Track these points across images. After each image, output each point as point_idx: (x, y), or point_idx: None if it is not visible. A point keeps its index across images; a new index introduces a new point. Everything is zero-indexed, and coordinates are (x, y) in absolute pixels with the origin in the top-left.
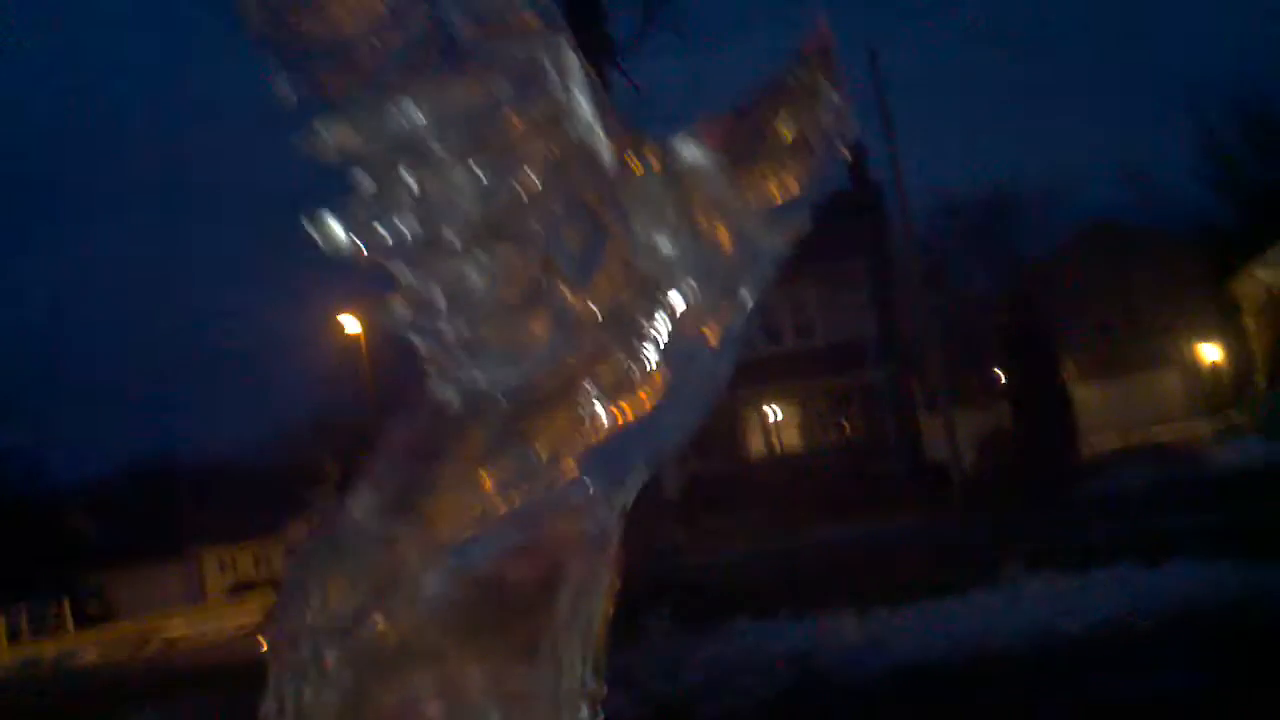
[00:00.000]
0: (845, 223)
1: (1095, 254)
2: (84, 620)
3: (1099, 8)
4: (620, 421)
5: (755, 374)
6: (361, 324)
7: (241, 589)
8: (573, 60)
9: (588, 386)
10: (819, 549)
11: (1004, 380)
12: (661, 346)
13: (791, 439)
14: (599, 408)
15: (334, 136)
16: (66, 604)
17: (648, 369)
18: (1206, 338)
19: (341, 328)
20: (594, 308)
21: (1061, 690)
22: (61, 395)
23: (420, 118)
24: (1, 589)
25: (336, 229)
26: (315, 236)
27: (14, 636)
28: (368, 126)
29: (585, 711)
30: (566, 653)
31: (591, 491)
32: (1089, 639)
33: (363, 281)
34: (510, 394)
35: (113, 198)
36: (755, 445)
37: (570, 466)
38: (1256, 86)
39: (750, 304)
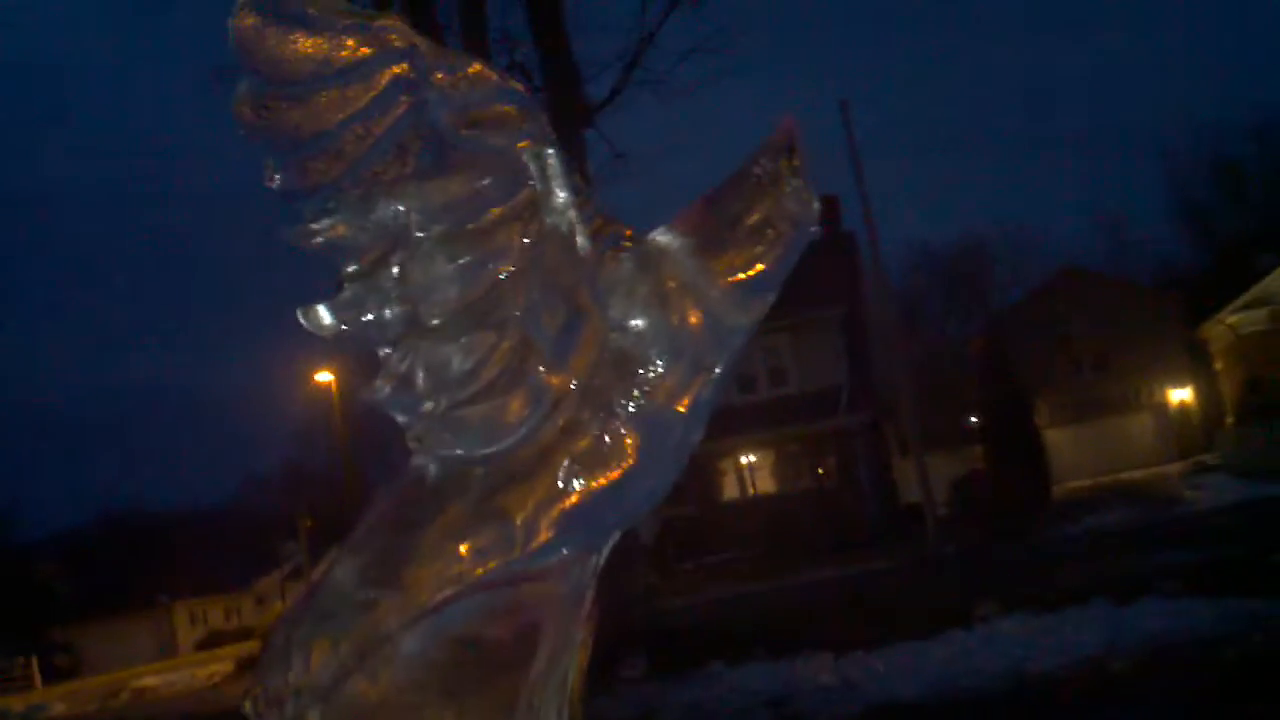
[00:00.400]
0: (819, 271)
1: (1067, 300)
2: (52, 675)
3: (1072, 58)
4: (594, 489)
5: (730, 421)
6: (334, 377)
7: (212, 642)
8: (551, 150)
9: (564, 458)
10: (794, 592)
11: (977, 424)
12: (635, 418)
13: (766, 484)
14: (574, 478)
15: (320, 227)
16: (34, 659)
17: (621, 440)
18: (1177, 381)
19: (313, 381)
20: (571, 385)
21: None
22: (30, 446)
23: (404, 208)
24: None
25: (324, 315)
26: (306, 324)
27: None
28: (353, 216)
29: None
30: (543, 709)
31: (566, 555)
32: (1063, 677)
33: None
34: (489, 465)
35: (84, 246)
36: (730, 491)
37: (546, 532)
38: (1226, 137)
39: (720, 377)
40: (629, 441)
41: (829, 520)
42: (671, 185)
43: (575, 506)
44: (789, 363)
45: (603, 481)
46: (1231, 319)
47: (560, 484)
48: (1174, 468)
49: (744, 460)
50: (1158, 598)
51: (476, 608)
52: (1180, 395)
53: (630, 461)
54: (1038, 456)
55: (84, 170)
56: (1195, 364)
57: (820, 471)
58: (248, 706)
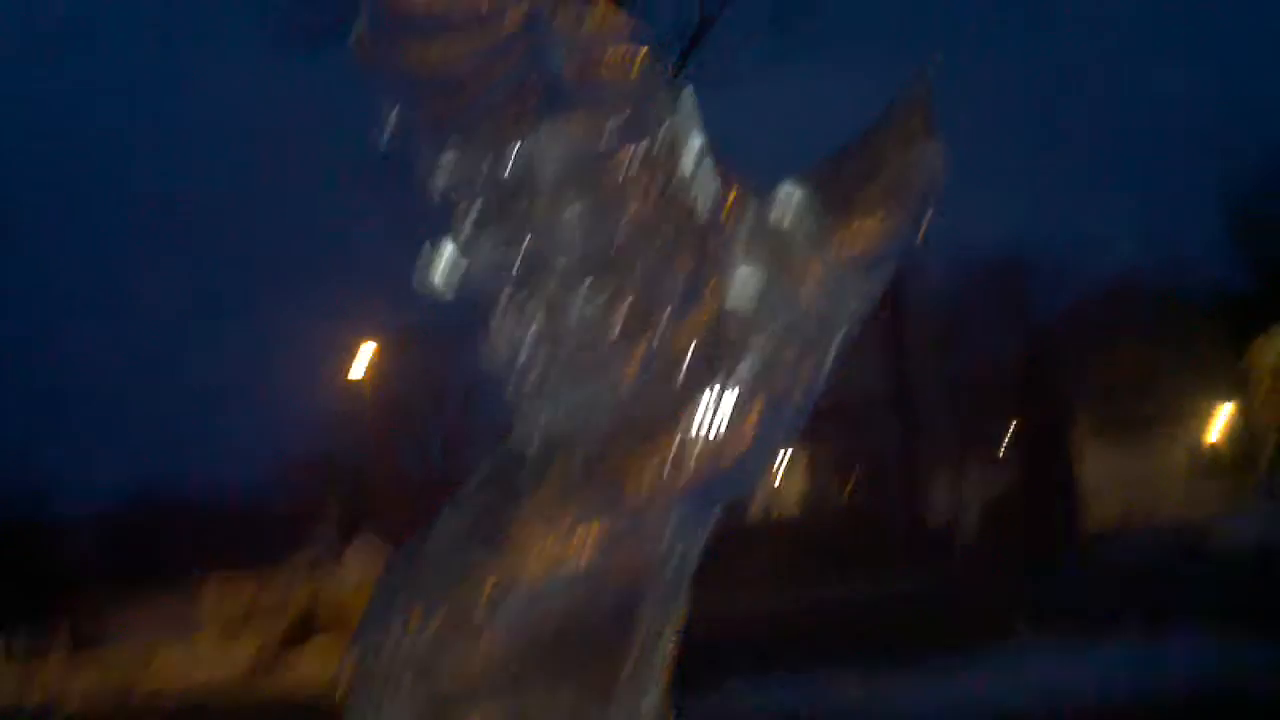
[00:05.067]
0: None
1: (1108, 317)
2: (77, 644)
3: (1123, 67)
4: (706, 457)
5: None
6: (369, 363)
7: (241, 619)
8: (686, 95)
9: (678, 421)
10: (818, 607)
11: (1013, 443)
12: (752, 386)
13: (793, 494)
14: (687, 443)
15: (447, 164)
16: (60, 628)
17: (737, 407)
18: (1220, 406)
19: (349, 366)
20: (691, 343)
21: None
22: (60, 418)
23: (531, 149)
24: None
25: (445, 260)
26: (423, 268)
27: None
28: (479, 154)
29: None
30: (641, 683)
31: (672, 523)
32: (1093, 708)
33: (373, 319)
34: (599, 426)
35: (114, 215)
36: (755, 499)
37: (655, 498)
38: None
39: (835, 351)
40: (744, 409)
41: (857, 533)
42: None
43: (686, 473)
44: None
45: (714, 450)
46: None
47: (673, 448)
48: (1213, 495)
49: (782, 467)
50: (1194, 633)
51: (579, 575)
52: (1223, 421)
53: (745, 431)
54: (1072, 478)
55: (127, 138)
56: (1240, 389)
57: (849, 482)
58: (346, 668)
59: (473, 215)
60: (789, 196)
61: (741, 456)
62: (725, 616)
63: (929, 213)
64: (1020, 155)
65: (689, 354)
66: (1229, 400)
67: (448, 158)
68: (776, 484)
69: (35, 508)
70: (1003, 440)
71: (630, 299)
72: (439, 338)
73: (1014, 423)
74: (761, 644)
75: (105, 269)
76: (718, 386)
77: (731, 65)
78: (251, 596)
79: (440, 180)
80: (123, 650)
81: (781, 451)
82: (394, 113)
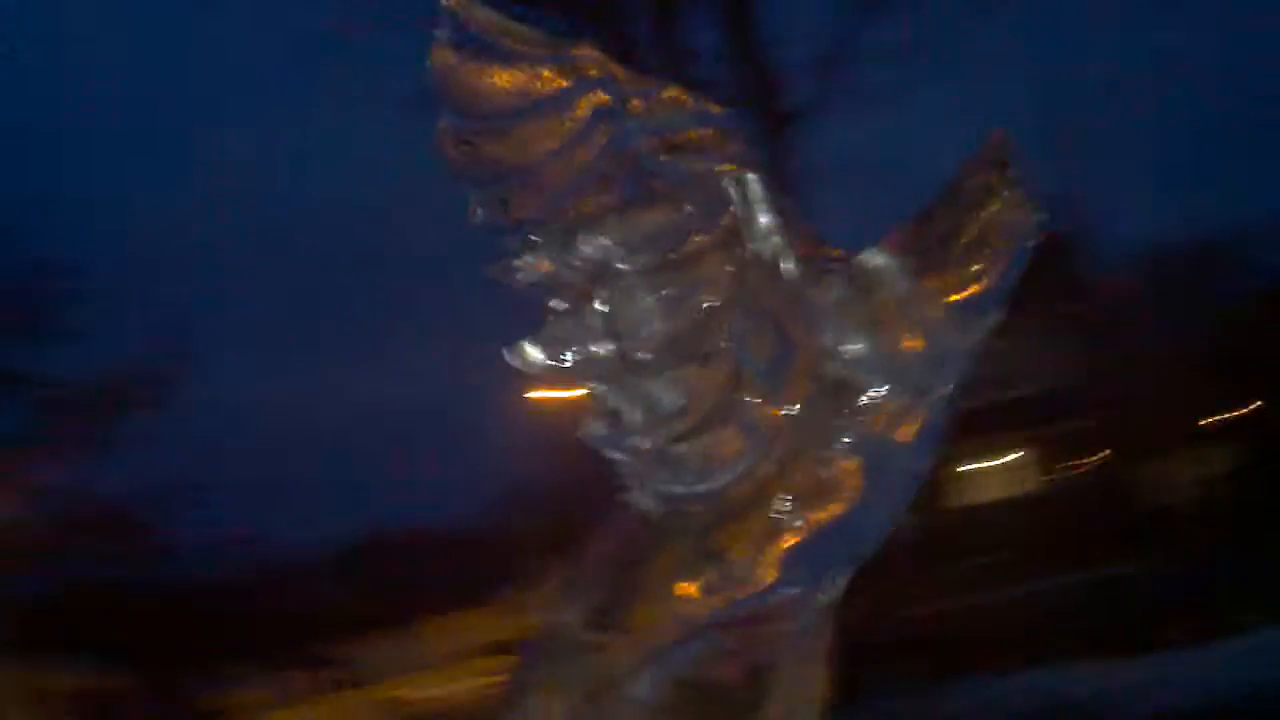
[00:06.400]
0: (1057, 269)
1: None
2: (333, 686)
3: None
4: (816, 525)
5: (978, 421)
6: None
7: (474, 653)
8: (753, 175)
9: (783, 493)
10: (1047, 597)
11: (1224, 425)
12: (855, 449)
13: (1017, 485)
14: (795, 514)
15: (525, 264)
16: (313, 672)
17: (842, 473)
18: None
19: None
20: (786, 417)
21: None
22: (289, 465)
23: (606, 241)
24: (245, 662)
25: (535, 354)
26: (515, 363)
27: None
28: (557, 251)
29: None
30: None
31: (793, 594)
32: None
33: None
34: (707, 502)
35: (307, 270)
36: (978, 493)
37: (770, 571)
38: None
39: (946, 400)
40: (850, 474)
41: (1083, 521)
42: (878, 197)
43: (798, 543)
44: (1028, 361)
45: (824, 516)
46: None
47: (781, 520)
48: None
49: (989, 461)
50: None
51: (705, 649)
52: None
53: (852, 495)
54: None
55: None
56: None
57: (1072, 471)
58: None
59: (559, 308)
60: (876, 256)
61: (853, 521)
62: (958, 612)
63: (1024, 260)
64: (1198, 146)
65: (787, 426)
66: None
67: (530, 256)
68: (985, 478)
69: (273, 554)
70: (1214, 422)
71: (719, 383)
72: None
73: (1238, 395)
74: (998, 637)
75: (310, 323)
76: (820, 454)
77: (864, 88)
78: (480, 630)
79: (524, 275)
80: (364, 688)
81: (904, 504)
82: (479, 208)
